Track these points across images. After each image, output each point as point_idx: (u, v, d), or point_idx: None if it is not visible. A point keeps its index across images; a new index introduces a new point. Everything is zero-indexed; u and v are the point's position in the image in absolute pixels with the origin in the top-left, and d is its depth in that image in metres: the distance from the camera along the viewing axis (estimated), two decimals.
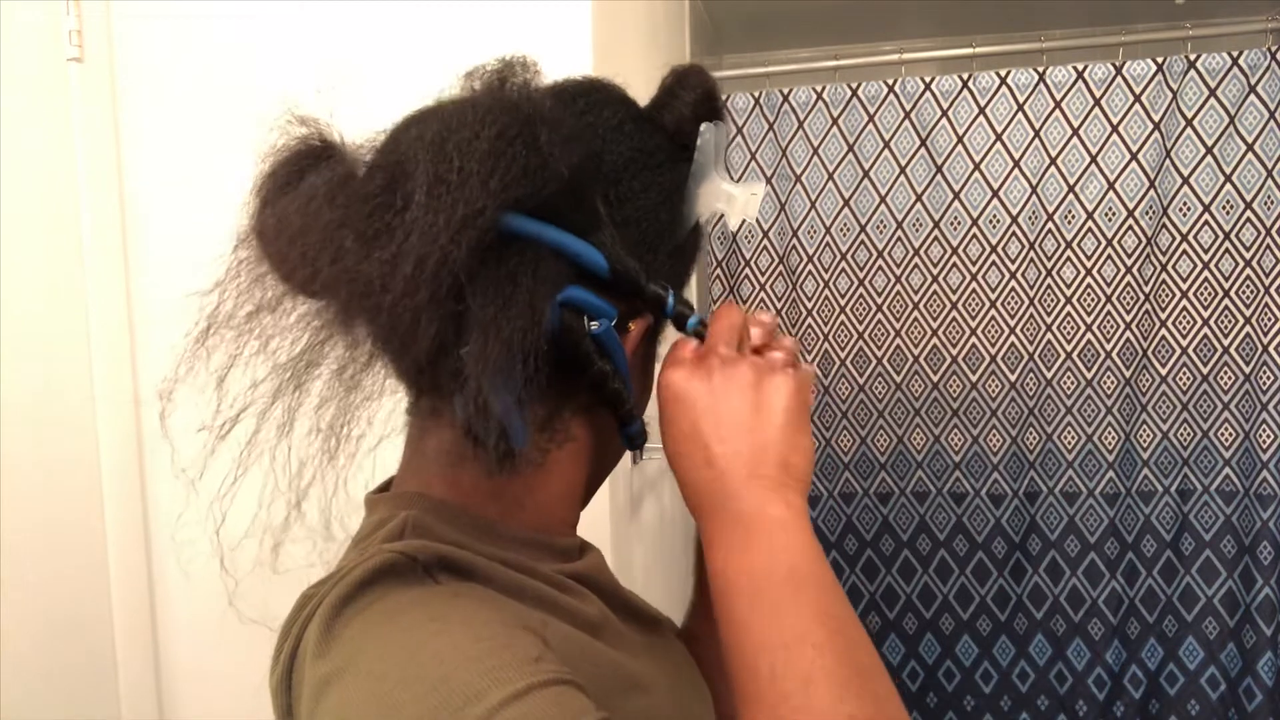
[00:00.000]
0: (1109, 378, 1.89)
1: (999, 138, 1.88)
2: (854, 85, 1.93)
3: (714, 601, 0.46)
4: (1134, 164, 1.83)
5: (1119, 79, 1.82)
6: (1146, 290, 1.85)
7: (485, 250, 0.43)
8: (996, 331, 1.92)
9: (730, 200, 0.56)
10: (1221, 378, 1.83)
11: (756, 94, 1.98)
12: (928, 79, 1.91)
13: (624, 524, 1.26)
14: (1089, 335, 1.89)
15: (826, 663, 0.41)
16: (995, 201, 1.90)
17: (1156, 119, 1.81)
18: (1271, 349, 1.79)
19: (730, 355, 0.51)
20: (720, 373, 0.50)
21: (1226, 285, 1.81)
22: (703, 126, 0.54)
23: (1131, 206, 1.84)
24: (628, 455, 0.64)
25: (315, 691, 0.41)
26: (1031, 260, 1.90)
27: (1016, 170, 1.88)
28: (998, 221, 1.91)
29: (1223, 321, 1.82)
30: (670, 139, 0.55)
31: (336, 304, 0.47)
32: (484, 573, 0.46)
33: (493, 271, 0.44)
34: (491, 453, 0.45)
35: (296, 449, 0.50)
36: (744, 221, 0.57)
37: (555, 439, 0.52)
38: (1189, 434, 1.86)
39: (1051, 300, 1.90)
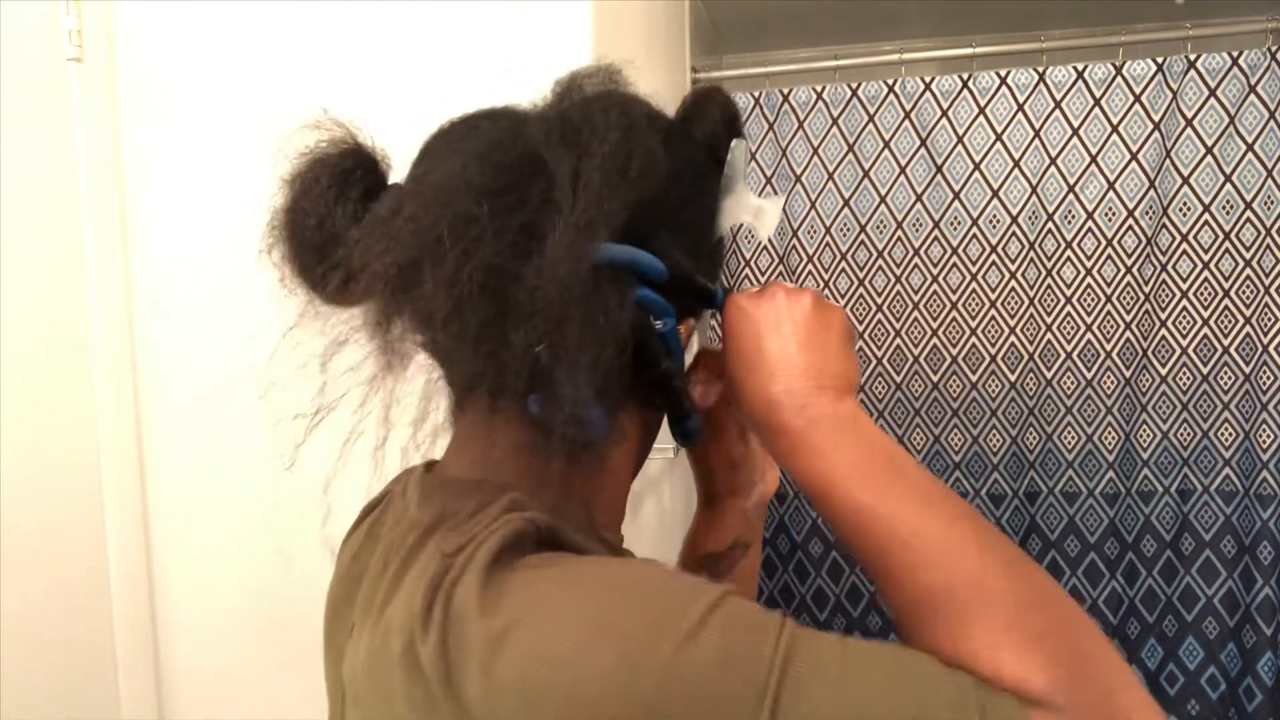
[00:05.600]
0: (1109, 378, 1.89)
1: (999, 138, 1.88)
2: (854, 85, 1.93)
3: (819, 507, 0.49)
4: (1134, 164, 1.83)
5: (1119, 79, 1.82)
6: (1146, 290, 1.85)
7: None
8: (996, 331, 1.92)
9: (759, 213, 0.59)
10: (1221, 378, 1.83)
11: (756, 94, 1.98)
12: (928, 79, 1.91)
13: (624, 524, 1.26)
14: (1089, 335, 1.89)
15: (951, 511, 0.46)
16: (995, 201, 1.90)
17: (1156, 119, 1.81)
18: (1271, 349, 1.79)
19: (792, 288, 0.56)
20: (784, 297, 0.55)
21: (1226, 285, 1.81)
22: (734, 142, 0.57)
23: (1131, 206, 1.84)
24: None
25: (489, 647, 0.40)
26: (1031, 260, 1.90)
27: (1016, 170, 1.88)
28: (998, 221, 1.91)
29: (1223, 321, 1.82)
30: (703, 153, 0.58)
31: (390, 303, 0.47)
32: (582, 550, 0.48)
33: (594, 279, 0.46)
34: (569, 445, 0.47)
35: (395, 439, 0.50)
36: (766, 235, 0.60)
37: (612, 437, 0.52)
38: (1189, 434, 1.86)
39: (1051, 300, 1.89)
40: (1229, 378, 1.83)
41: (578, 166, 0.45)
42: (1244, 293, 1.80)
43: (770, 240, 2.01)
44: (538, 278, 0.44)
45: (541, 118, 0.50)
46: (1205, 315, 1.83)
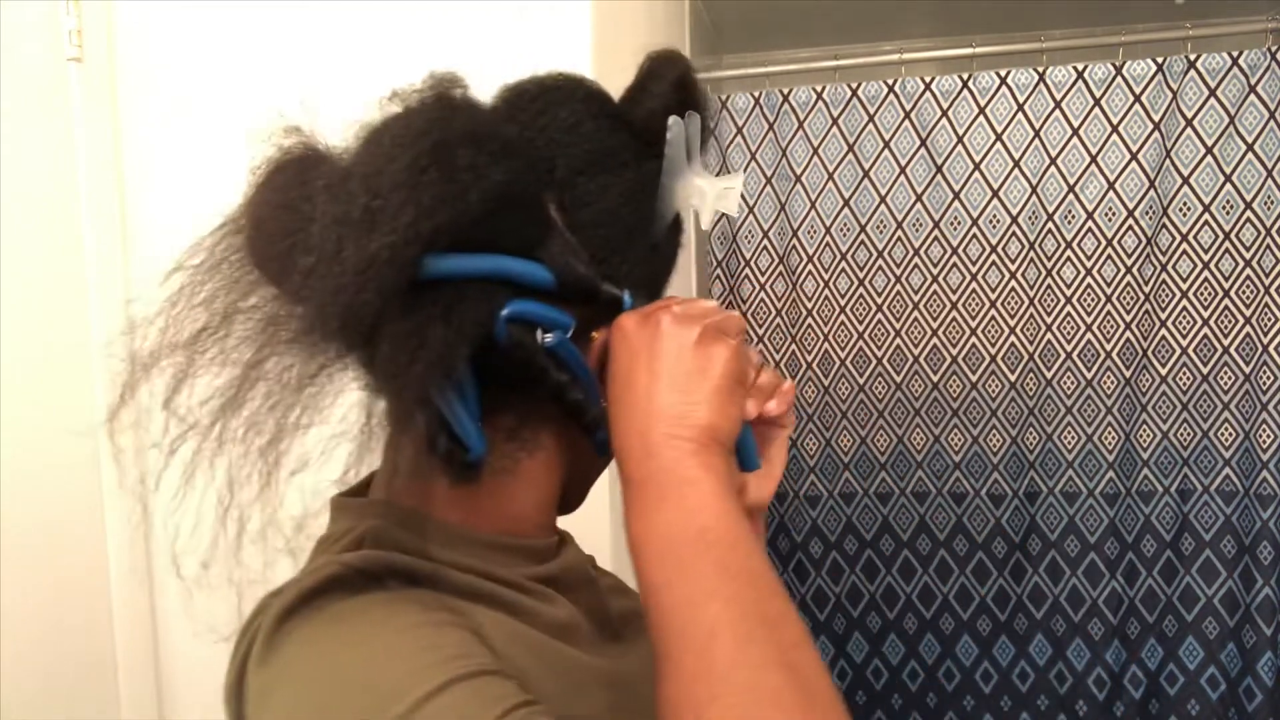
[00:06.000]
0: (1109, 378, 1.89)
1: (999, 138, 1.88)
2: (854, 85, 1.93)
3: (633, 566, 0.46)
4: (1134, 164, 1.83)
5: (1119, 79, 1.82)
6: (1146, 290, 1.85)
7: (407, 284, 0.43)
8: (996, 331, 1.92)
9: (701, 195, 0.54)
10: (1221, 378, 1.83)
11: (756, 94, 1.98)
12: (928, 79, 1.91)
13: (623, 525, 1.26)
14: (1089, 335, 1.89)
15: (731, 615, 0.41)
16: (995, 201, 1.90)
17: (1156, 119, 1.81)
18: (1271, 349, 1.79)
19: (682, 313, 0.50)
20: (667, 325, 0.49)
21: (1226, 285, 1.81)
22: (670, 120, 0.52)
23: (1131, 206, 1.84)
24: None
25: (258, 699, 0.43)
26: (1031, 260, 1.90)
27: (1016, 170, 1.88)
28: (998, 221, 1.91)
29: (1223, 321, 1.82)
30: (638, 135, 0.53)
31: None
32: (441, 579, 0.47)
33: (414, 301, 0.44)
34: (447, 464, 0.47)
35: (237, 463, 0.49)
36: (722, 216, 0.56)
37: (525, 447, 0.52)
38: (1189, 434, 1.86)
39: (1051, 300, 1.89)
40: (1229, 378, 1.82)
41: (329, 206, 0.43)
42: (1244, 293, 1.80)
43: (770, 240, 2.01)
44: (313, 312, 0.43)
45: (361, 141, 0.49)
46: (1205, 315, 1.83)
